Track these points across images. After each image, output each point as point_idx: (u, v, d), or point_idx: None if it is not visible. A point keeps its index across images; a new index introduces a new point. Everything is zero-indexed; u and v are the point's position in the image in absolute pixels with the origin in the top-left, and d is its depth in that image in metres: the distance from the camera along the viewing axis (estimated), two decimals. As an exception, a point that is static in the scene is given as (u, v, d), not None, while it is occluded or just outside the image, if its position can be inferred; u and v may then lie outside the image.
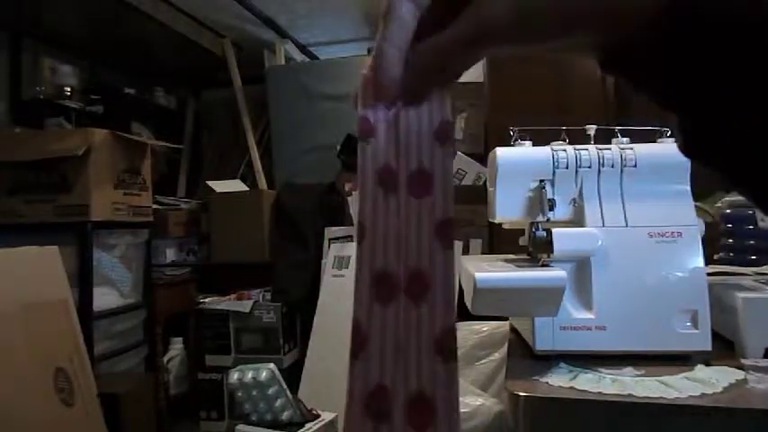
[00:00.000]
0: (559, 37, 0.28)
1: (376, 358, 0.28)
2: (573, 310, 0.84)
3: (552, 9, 0.26)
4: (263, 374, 1.47)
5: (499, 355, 1.18)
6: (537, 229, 0.87)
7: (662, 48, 0.26)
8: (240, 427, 1.48)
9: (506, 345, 1.00)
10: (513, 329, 1.03)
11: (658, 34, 0.25)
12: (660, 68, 0.27)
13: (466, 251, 2.11)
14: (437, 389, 0.28)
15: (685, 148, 0.29)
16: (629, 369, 0.77)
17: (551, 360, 0.82)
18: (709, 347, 0.80)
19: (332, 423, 1.55)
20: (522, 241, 0.99)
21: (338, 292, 2.19)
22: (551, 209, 0.87)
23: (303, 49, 3.65)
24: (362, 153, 0.30)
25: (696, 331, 0.80)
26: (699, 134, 0.27)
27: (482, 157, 2.25)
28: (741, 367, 0.75)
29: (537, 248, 0.86)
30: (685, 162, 0.86)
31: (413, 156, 0.30)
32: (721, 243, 1.21)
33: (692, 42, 0.24)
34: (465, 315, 1.04)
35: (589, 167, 0.88)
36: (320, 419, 1.52)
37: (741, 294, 0.81)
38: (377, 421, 0.28)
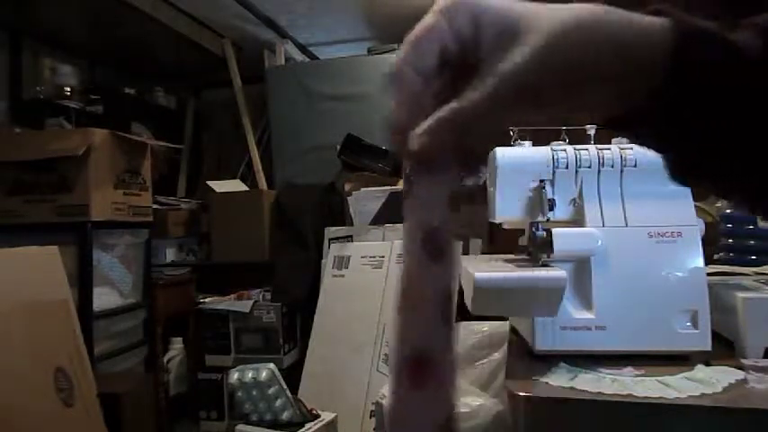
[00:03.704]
0: (567, 104, 0.29)
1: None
2: (573, 310, 0.84)
3: (564, 80, 0.28)
4: (263, 374, 1.47)
5: (499, 355, 1.18)
6: (537, 229, 0.87)
7: (665, 111, 0.29)
8: (240, 427, 1.48)
9: (506, 345, 1.00)
10: (513, 329, 1.03)
11: (661, 102, 0.28)
12: (658, 127, 0.30)
13: (466, 251, 2.11)
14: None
15: (673, 177, 0.32)
16: (628, 369, 0.77)
17: (551, 360, 0.82)
18: (709, 347, 0.80)
19: (332, 423, 1.55)
20: (522, 241, 0.99)
21: (338, 292, 2.19)
22: (551, 209, 0.87)
23: (303, 49, 3.65)
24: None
25: (696, 331, 0.80)
26: (685, 167, 0.32)
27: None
28: (741, 367, 0.75)
29: (537, 248, 0.86)
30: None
31: None
32: (721, 243, 1.21)
33: (692, 107, 0.28)
34: (465, 315, 1.04)
35: (589, 167, 0.88)
36: (320, 419, 1.52)
37: (741, 294, 0.81)
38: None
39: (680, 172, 0.32)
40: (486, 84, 0.28)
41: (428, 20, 0.30)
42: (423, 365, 0.28)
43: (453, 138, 0.29)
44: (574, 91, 0.28)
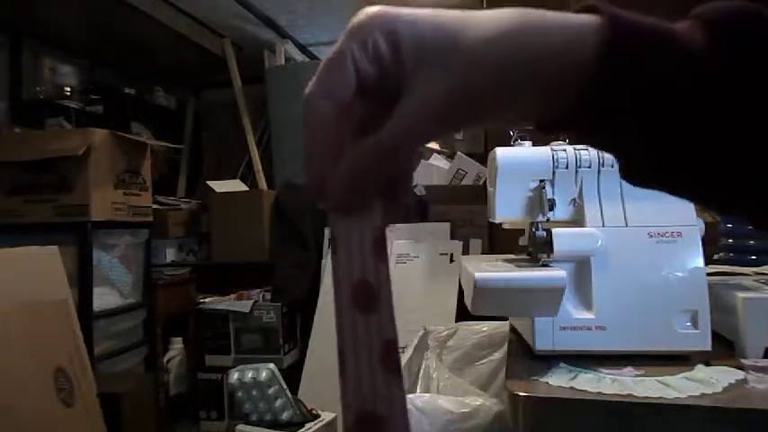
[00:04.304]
0: (499, 116, 0.27)
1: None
2: (573, 310, 0.84)
3: (492, 88, 0.26)
4: (263, 374, 1.47)
5: (499, 354, 1.18)
6: (537, 229, 0.87)
7: (590, 115, 0.27)
8: (240, 427, 1.48)
9: (506, 345, 1.00)
10: (513, 329, 1.03)
11: (586, 106, 0.27)
12: (590, 126, 0.29)
13: (466, 251, 2.11)
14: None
15: (623, 176, 0.31)
16: (628, 369, 0.77)
17: (551, 360, 0.82)
18: (709, 347, 0.80)
19: (332, 423, 1.55)
20: (522, 241, 0.99)
21: (338, 292, 2.19)
22: (551, 209, 0.87)
23: (303, 49, 3.65)
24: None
25: (696, 331, 0.80)
26: (629, 168, 0.31)
27: (482, 157, 2.25)
28: (741, 367, 0.75)
29: (537, 248, 0.86)
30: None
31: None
32: (721, 243, 1.21)
33: (620, 110, 0.27)
34: (465, 315, 1.04)
35: (589, 167, 0.88)
36: (320, 419, 1.52)
37: (741, 294, 0.81)
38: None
39: (625, 174, 0.31)
40: (407, 110, 0.26)
41: (339, 43, 0.27)
42: (372, 427, 0.26)
43: (372, 178, 0.27)
44: (505, 103, 0.26)
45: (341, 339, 0.27)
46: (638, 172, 0.31)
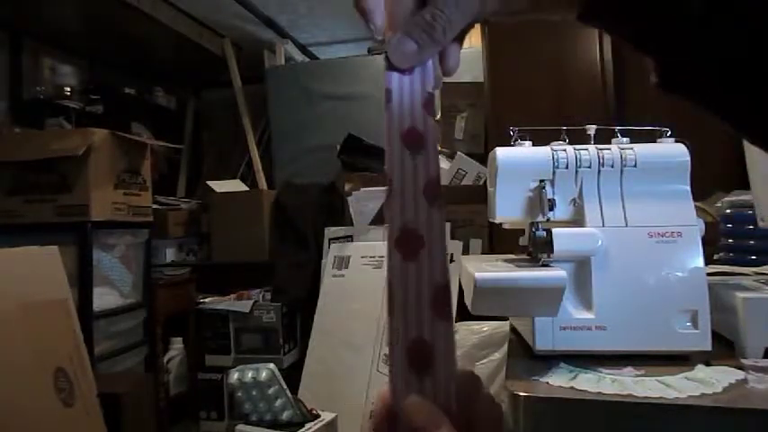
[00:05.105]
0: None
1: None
2: (573, 310, 0.84)
3: None
4: (263, 374, 1.47)
5: (499, 354, 1.19)
6: (537, 229, 0.87)
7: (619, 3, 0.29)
8: (240, 427, 1.48)
9: (506, 345, 1.00)
10: (513, 329, 1.03)
11: None
12: (625, 19, 0.30)
13: (466, 251, 2.11)
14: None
15: (658, 85, 0.32)
16: (629, 369, 0.77)
17: (551, 360, 0.82)
18: (709, 347, 0.80)
19: (332, 423, 1.55)
20: (522, 241, 0.99)
21: (338, 292, 2.19)
22: (551, 209, 0.87)
23: (303, 49, 3.65)
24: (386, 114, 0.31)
25: (696, 331, 0.80)
26: (666, 72, 0.31)
27: (482, 157, 2.25)
28: (741, 367, 0.75)
29: (537, 248, 0.86)
30: (685, 162, 0.86)
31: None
32: (721, 243, 1.21)
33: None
34: (465, 315, 1.04)
35: (589, 167, 0.88)
36: (320, 419, 1.52)
37: (741, 294, 0.81)
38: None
39: (662, 80, 0.31)
40: None
41: None
42: (423, 354, 0.28)
43: (435, 41, 0.30)
44: None
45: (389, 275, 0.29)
46: (672, 73, 0.31)
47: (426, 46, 0.30)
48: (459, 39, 0.32)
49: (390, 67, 0.31)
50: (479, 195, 2.06)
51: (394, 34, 0.30)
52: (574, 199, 0.89)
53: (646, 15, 0.29)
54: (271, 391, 1.47)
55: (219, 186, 3.01)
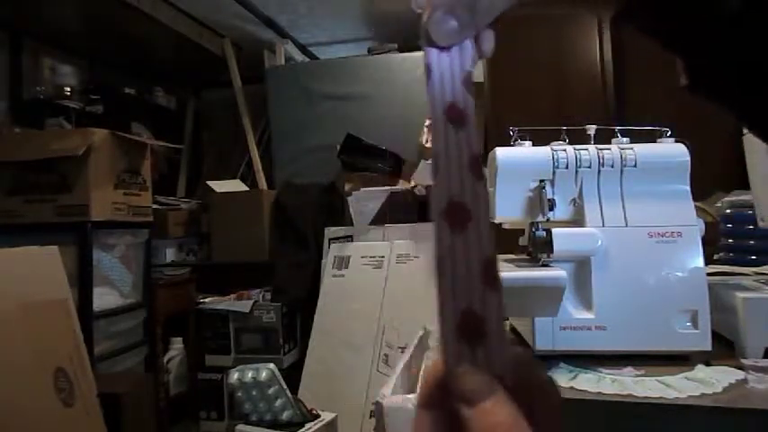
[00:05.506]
0: None
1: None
2: (573, 310, 0.84)
3: None
4: (263, 374, 1.47)
5: (499, 355, 1.18)
6: (537, 229, 0.87)
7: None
8: (240, 427, 1.48)
9: (506, 345, 1.00)
10: (513, 329, 1.03)
11: None
12: (658, 18, 0.31)
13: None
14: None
15: (687, 87, 0.32)
16: (629, 369, 0.77)
17: (551, 360, 0.82)
18: (709, 347, 0.80)
19: (332, 423, 1.55)
20: (522, 241, 0.99)
21: (338, 292, 2.19)
22: (551, 209, 0.87)
23: (303, 49, 3.65)
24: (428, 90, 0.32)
25: (696, 331, 0.80)
26: (696, 74, 0.31)
27: (482, 158, 2.24)
28: (741, 367, 0.75)
29: (537, 248, 0.86)
30: (685, 162, 0.86)
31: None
32: (721, 243, 1.21)
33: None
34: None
35: (589, 167, 0.88)
36: (320, 419, 1.52)
37: (741, 294, 0.81)
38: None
39: (692, 82, 0.31)
40: None
41: None
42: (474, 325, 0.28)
43: (478, 20, 0.30)
44: None
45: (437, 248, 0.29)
46: (701, 73, 0.31)
47: (467, 25, 0.31)
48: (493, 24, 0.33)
49: (430, 43, 0.32)
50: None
51: (435, 10, 0.31)
52: (574, 199, 0.89)
53: (678, 14, 0.29)
54: (271, 391, 1.47)
55: (219, 186, 3.01)
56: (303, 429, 1.46)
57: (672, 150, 0.88)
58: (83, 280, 2.03)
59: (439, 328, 0.28)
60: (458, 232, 0.29)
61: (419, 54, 3.50)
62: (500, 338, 0.27)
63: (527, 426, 0.23)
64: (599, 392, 0.69)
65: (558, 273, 0.79)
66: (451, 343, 0.27)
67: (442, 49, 0.32)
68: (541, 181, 0.88)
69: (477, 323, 0.27)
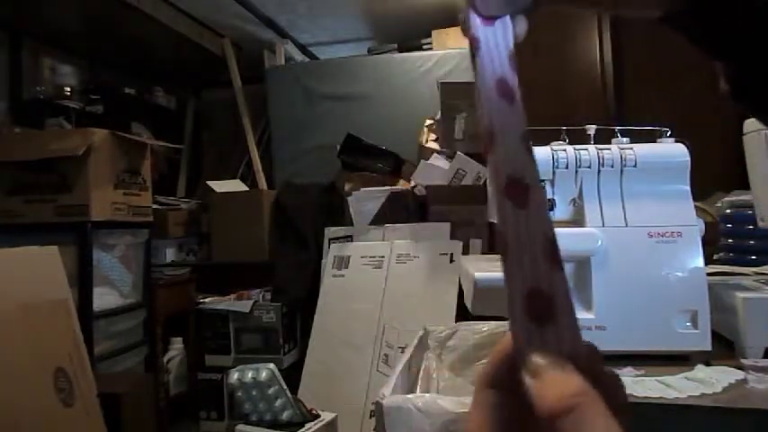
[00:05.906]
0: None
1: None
2: (573, 310, 0.83)
3: None
4: (263, 374, 1.47)
5: (499, 355, 1.18)
6: (537, 229, 0.87)
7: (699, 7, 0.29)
8: (240, 427, 1.48)
9: (506, 345, 1.00)
10: (513, 329, 1.03)
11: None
12: (698, 20, 0.30)
13: (466, 251, 2.11)
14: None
15: (732, 95, 0.32)
16: (629, 369, 0.77)
17: (551, 360, 0.81)
18: (709, 347, 0.79)
19: (332, 423, 1.55)
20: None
21: (338, 291, 2.19)
22: (551, 209, 0.87)
23: (303, 49, 3.65)
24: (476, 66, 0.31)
25: (696, 331, 0.80)
26: (740, 81, 0.31)
27: (482, 157, 2.24)
28: (741, 367, 0.75)
29: (537, 248, 0.86)
30: (685, 162, 0.86)
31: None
32: (721, 243, 1.21)
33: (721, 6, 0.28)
34: (465, 315, 1.04)
35: (589, 167, 0.88)
36: (320, 419, 1.52)
37: (741, 294, 0.81)
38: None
39: (735, 90, 0.31)
40: None
41: None
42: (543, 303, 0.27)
43: None
44: None
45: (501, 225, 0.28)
46: (746, 83, 0.31)
47: None
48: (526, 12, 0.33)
49: (477, 13, 0.31)
50: (479, 195, 2.06)
51: None
52: (574, 199, 0.89)
53: (714, 14, 0.29)
54: (271, 391, 1.47)
55: (219, 186, 3.01)
56: (303, 429, 1.46)
57: (672, 150, 0.88)
58: (83, 280, 2.03)
59: (507, 307, 0.27)
60: (520, 208, 0.28)
61: (419, 54, 3.49)
62: (570, 318, 0.27)
63: (599, 397, 0.22)
64: (599, 392, 0.69)
65: (557, 273, 0.78)
66: (520, 322, 0.26)
67: (486, 23, 0.31)
68: (541, 181, 0.88)
69: (545, 303, 0.27)
